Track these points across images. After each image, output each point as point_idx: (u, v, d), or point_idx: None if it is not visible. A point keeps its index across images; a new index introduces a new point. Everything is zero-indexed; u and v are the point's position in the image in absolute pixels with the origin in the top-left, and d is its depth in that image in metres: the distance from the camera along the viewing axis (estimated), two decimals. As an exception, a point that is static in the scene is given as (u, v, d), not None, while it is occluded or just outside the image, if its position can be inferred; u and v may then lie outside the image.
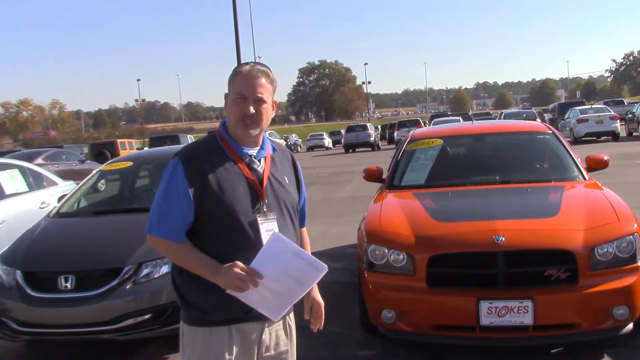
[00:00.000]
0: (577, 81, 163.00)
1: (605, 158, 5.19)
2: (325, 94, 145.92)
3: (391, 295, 3.86)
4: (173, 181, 2.02)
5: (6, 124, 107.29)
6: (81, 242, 4.72)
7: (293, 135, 55.76)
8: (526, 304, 3.52)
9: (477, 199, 4.66)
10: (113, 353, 4.56)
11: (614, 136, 23.22)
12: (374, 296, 3.94)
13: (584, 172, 4.98)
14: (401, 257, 3.85)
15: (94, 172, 6.29)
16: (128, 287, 4.18)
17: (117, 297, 4.13)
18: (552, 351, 3.99)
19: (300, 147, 50.31)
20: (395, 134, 34.58)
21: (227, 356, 2.05)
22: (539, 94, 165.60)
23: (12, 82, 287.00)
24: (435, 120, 31.75)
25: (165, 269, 4.21)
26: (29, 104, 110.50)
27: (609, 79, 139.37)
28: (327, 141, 47.55)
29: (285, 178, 2.20)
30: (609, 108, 26.39)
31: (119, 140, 30.66)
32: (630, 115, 26.00)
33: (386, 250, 3.92)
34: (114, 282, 4.18)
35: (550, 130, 5.69)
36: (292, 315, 2.25)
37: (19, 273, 4.35)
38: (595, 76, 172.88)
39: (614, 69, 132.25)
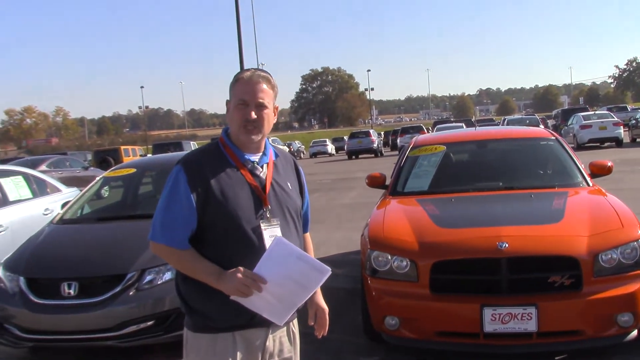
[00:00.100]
0: (580, 87, 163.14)
1: (609, 164, 5.18)
2: (328, 100, 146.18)
3: (394, 301, 3.85)
4: (176, 188, 2.02)
5: (10, 131, 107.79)
6: (84, 249, 4.73)
7: (296, 141, 55.94)
8: (530, 310, 3.51)
9: (481, 205, 4.65)
10: (116, 360, 4.55)
11: (618, 142, 23.17)
12: (377, 303, 3.93)
13: (588, 178, 4.97)
14: (404, 263, 3.84)
15: (98, 178, 6.31)
16: (131, 293, 4.18)
17: (120, 304, 4.13)
18: (556, 358, 3.96)
19: (303, 153, 50.39)
20: (398, 141, 34.58)
21: (231, 362, 2.04)
22: (542, 100, 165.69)
23: (16, 90, 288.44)
24: (438, 126, 31.74)
25: (168, 275, 4.21)
26: (32, 111, 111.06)
27: (612, 85, 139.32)
28: (330, 148, 47.63)
29: (288, 184, 2.20)
30: (612, 114, 26.39)
31: (122, 147, 30.76)
32: (633, 122, 25.93)
33: (389, 257, 3.91)
34: (117, 289, 4.18)
35: (554, 136, 5.69)
36: (295, 321, 2.25)
37: (22, 279, 4.35)
38: (598, 82, 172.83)
39: (617, 75, 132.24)
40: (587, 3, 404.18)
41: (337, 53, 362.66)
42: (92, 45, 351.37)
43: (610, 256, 3.64)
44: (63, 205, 5.93)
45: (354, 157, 35.36)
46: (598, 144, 23.48)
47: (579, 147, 22.74)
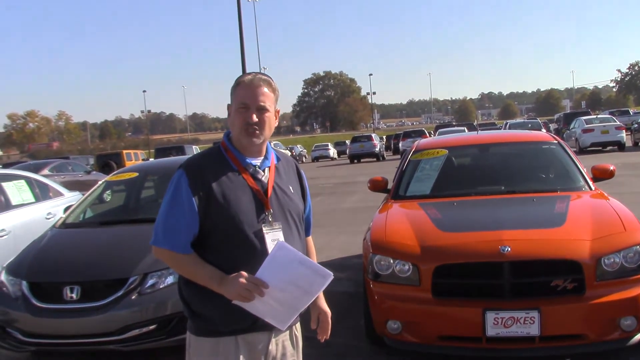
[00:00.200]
0: (582, 91, 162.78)
1: (611, 168, 5.17)
2: (330, 104, 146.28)
3: (397, 305, 3.85)
4: (178, 193, 2.02)
5: (13, 135, 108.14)
6: (87, 253, 4.73)
7: (298, 145, 55.96)
8: (532, 314, 3.51)
9: (483, 209, 4.65)
10: (118, 364, 4.55)
11: (620, 146, 23.16)
12: (380, 307, 3.93)
13: (590, 182, 4.97)
14: (406, 267, 3.84)
15: (100, 182, 6.31)
16: (133, 297, 4.18)
17: (123, 308, 4.13)
18: (559, 362, 3.96)
19: (305, 157, 50.41)
20: (400, 145, 34.62)
21: (233, 366, 2.04)
22: (544, 104, 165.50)
23: (18, 94, 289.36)
24: (440, 130, 31.75)
25: (170, 279, 4.21)
26: (35, 115, 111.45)
27: (614, 89, 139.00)
28: (332, 152, 47.62)
29: (290, 187, 2.20)
30: (614, 118, 26.35)
31: (124, 151, 30.79)
32: (636, 125, 25.95)
33: (391, 261, 3.91)
34: (120, 293, 4.18)
35: (556, 140, 5.68)
36: (298, 325, 2.24)
37: (24, 283, 4.36)
38: (600, 86, 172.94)
39: (619, 79, 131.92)
40: (590, 7, 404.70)
41: (339, 57, 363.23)
42: (95, 49, 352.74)
43: (612, 260, 3.63)
44: (65, 210, 5.93)
45: (356, 161, 35.36)
46: (600, 148, 23.46)
47: (581, 151, 22.74)
